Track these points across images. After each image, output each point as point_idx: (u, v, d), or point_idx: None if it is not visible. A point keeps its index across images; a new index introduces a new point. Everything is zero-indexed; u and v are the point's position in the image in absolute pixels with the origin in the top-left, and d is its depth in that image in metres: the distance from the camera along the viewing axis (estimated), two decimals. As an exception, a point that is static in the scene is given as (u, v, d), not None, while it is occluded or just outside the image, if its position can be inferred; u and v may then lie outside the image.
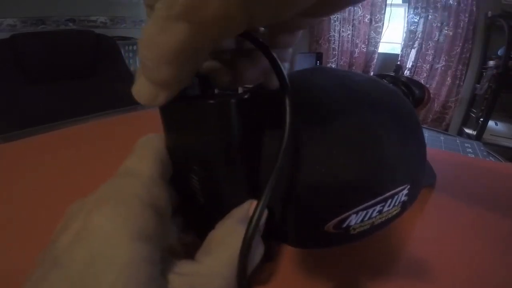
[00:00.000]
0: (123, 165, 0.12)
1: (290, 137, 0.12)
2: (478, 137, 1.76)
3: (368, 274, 0.20)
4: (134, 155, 0.13)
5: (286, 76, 0.13)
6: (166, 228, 0.11)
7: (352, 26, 2.28)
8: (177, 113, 0.13)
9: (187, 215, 0.16)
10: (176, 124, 0.13)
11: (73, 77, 0.90)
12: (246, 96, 0.12)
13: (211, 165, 0.13)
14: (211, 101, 0.11)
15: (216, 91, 0.15)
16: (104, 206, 0.10)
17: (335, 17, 2.27)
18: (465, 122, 2.10)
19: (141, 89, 0.11)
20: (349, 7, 2.20)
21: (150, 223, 0.10)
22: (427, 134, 0.56)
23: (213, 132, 0.12)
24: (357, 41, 2.30)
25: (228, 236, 0.12)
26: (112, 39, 1.01)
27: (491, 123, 1.80)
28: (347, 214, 0.14)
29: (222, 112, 0.12)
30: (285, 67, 0.14)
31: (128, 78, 1.01)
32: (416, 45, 2.11)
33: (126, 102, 0.85)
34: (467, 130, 1.98)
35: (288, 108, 0.12)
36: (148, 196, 0.11)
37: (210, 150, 0.12)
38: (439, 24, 2.00)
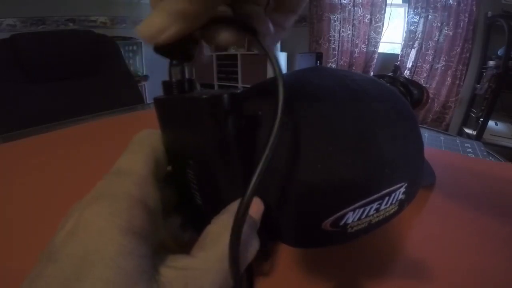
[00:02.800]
0: (117, 162, 0.12)
1: (280, 125, 0.12)
2: (478, 137, 1.76)
3: (367, 274, 0.21)
4: (127, 152, 0.13)
5: (279, 62, 0.13)
6: (157, 224, 0.12)
7: (352, 26, 2.28)
8: (171, 107, 0.13)
9: (185, 212, 0.16)
10: (170, 119, 0.13)
11: (73, 77, 0.90)
12: (238, 91, 0.12)
13: (206, 161, 0.13)
14: (204, 96, 0.12)
15: (216, 88, 0.15)
16: (95, 203, 0.10)
17: (335, 17, 2.27)
18: (465, 122, 2.10)
19: (153, 20, 0.11)
20: (349, 7, 2.20)
21: (139, 219, 0.10)
22: (427, 134, 0.56)
23: (206, 127, 0.12)
24: (357, 41, 2.30)
25: (223, 231, 0.12)
26: (112, 39, 1.01)
27: (491, 123, 1.80)
28: (343, 211, 0.14)
29: (215, 106, 0.12)
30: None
31: (128, 78, 1.01)
32: (416, 45, 2.11)
33: (126, 102, 0.85)
34: (467, 130, 1.98)
35: (280, 89, 0.12)
36: (138, 193, 0.11)
37: (205, 145, 0.13)
38: (439, 24, 2.00)
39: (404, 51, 2.16)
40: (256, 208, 0.14)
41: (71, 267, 0.09)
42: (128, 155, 0.13)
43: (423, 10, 2.02)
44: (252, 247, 0.13)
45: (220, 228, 0.12)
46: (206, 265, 0.11)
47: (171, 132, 0.14)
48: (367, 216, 0.15)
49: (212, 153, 0.13)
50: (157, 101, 0.13)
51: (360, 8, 2.22)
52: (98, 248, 0.09)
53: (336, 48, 2.34)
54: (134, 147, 0.13)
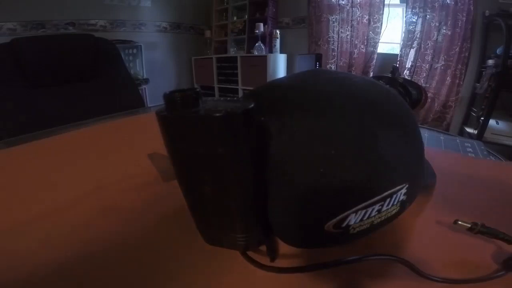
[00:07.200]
0: None
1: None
2: (479, 136, 1.76)
3: (368, 274, 0.21)
4: None
5: None
6: None
7: (351, 27, 2.29)
8: (181, 125, 0.13)
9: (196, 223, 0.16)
10: (180, 136, 0.13)
11: (73, 81, 0.91)
12: (251, 106, 0.13)
13: (224, 175, 0.13)
14: (218, 114, 0.12)
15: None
16: None
17: (333, 18, 2.28)
18: (466, 121, 2.10)
19: None
20: (347, 8, 2.21)
21: None
22: (427, 134, 0.56)
23: (223, 144, 0.12)
24: (356, 42, 2.30)
25: None
26: (112, 43, 1.02)
27: (492, 122, 1.80)
28: (346, 213, 0.14)
29: (231, 124, 0.12)
30: None
31: (128, 81, 1.02)
32: (415, 45, 2.11)
33: (127, 105, 0.86)
34: (468, 129, 1.98)
35: None
36: None
37: (222, 160, 0.13)
38: (437, 24, 2.00)
39: (403, 51, 2.16)
40: None
41: None
42: None
43: (421, 10, 2.03)
44: None
45: None
46: None
47: (181, 148, 0.13)
48: (369, 217, 0.15)
49: (229, 166, 0.13)
50: (162, 118, 0.13)
51: (358, 9, 2.22)
52: None
53: (335, 49, 2.35)
54: None
